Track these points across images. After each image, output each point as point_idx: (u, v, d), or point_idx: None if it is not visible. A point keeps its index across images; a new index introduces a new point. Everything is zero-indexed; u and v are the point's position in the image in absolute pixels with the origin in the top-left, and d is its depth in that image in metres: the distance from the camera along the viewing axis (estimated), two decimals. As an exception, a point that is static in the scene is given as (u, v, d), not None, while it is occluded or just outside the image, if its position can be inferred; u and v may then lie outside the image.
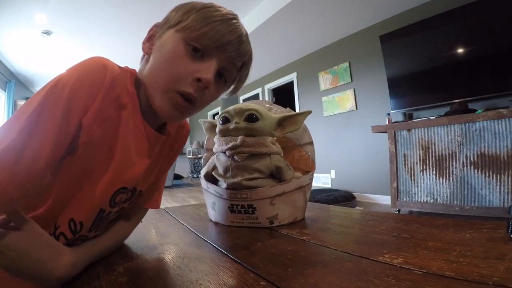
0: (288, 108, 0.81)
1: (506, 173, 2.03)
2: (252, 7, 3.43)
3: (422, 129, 2.48)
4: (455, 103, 2.57)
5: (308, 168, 0.76)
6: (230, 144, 0.65)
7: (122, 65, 0.46)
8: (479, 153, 2.16)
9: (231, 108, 0.68)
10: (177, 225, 0.73)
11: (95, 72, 0.39)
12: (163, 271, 0.43)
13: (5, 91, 4.93)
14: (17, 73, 5.29)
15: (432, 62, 2.82)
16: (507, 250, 0.41)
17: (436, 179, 2.39)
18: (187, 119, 0.56)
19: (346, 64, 3.84)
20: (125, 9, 3.19)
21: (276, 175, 0.69)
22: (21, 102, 5.27)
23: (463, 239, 0.48)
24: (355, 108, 3.75)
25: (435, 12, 2.79)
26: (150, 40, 0.47)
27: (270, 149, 0.67)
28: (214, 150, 0.72)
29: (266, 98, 5.50)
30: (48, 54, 4.37)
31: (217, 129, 0.71)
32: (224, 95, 0.54)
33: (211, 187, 0.72)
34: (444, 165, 2.35)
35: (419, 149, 2.50)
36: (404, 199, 2.58)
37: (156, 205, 0.60)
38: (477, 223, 0.57)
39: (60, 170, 0.39)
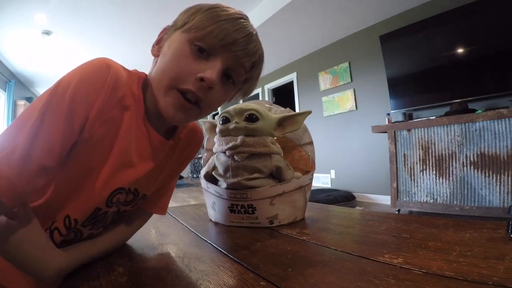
0: (288, 108, 0.81)
1: (506, 173, 2.03)
2: (252, 7, 3.43)
3: (422, 129, 2.49)
4: (455, 103, 2.57)
5: (308, 168, 0.76)
6: (230, 144, 0.65)
7: (123, 65, 0.46)
8: (479, 153, 2.16)
9: (231, 108, 0.68)
10: (177, 225, 0.73)
11: (98, 72, 0.39)
12: (163, 271, 0.43)
13: (5, 91, 4.93)
14: (17, 73, 5.29)
15: (432, 62, 2.82)
16: (507, 250, 0.41)
17: (436, 179, 2.39)
18: (201, 126, 0.55)
19: (346, 64, 3.84)
20: (125, 8, 3.19)
21: (276, 175, 0.69)
22: (21, 102, 5.27)
23: (463, 239, 0.48)
24: (355, 108, 3.75)
25: (435, 12, 2.79)
26: (158, 43, 0.47)
27: (270, 149, 0.67)
28: (214, 150, 0.72)
29: (266, 98, 5.50)
30: (48, 54, 4.37)
31: (217, 129, 0.71)
32: (236, 98, 0.52)
33: (211, 187, 0.72)
34: (444, 165, 2.35)
35: (419, 149, 2.50)
36: (404, 199, 2.59)
37: (162, 211, 0.59)
38: (477, 223, 0.57)
39: (64, 167, 0.39)
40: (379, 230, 0.58)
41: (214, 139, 0.72)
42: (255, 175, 0.66)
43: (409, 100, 3.03)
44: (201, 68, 0.41)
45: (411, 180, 2.55)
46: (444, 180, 2.34)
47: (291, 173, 0.69)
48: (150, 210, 0.58)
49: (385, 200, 3.12)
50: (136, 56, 4.47)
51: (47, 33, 3.68)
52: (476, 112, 2.26)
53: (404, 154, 2.59)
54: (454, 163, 2.29)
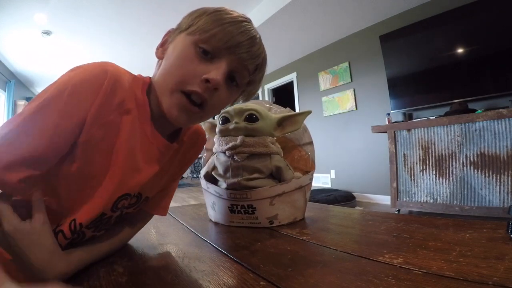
0: (288, 108, 0.81)
1: (506, 173, 2.03)
2: (252, 7, 3.43)
3: (422, 129, 2.49)
4: (455, 103, 2.57)
5: (308, 168, 0.76)
6: (230, 144, 0.65)
7: (123, 64, 0.46)
8: (479, 153, 2.16)
9: (231, 108, 0.68)
10: (177, 225, 0.73)
11: (94, 76, 0.39)
12: (163, 271, 0.43)
13: (5, 91, 4.93)
14: (17, 73, 5.29)
15: (432, 62, 2.82)
16: (507, 250, 0.41)
17: (436, 179, 2.39)
18: (203, 127, 0.54)
19: (346, 64, 3.84)
20: (124, 6, 3.19)
21: (276, 175, 0.69)
22: (21, 102, 5.27)
23: (463, 239, 0.48)
24: (355, 108, 3.75)
25: (435, 12, 2.79)
26: (163, 45, 0.47)
27: (270, 149, 0.67)
28: (214, 150, 0.72)
29: (266, 98, 5.50)
30: (48, 54, 4.36)
31: (217, 129, 0.71)
32: (239, 101, 0.53)
33: (211, 187, 0.72)
34: (444, 165, 2.35)
35: (419, 149, 2.50)
36: (404, 199, 2.59)
37: (164, 212, 0.59)
38: (477, 223, 0.57)
39: (63, 171, 0.39)
40: (379, 230, 0.58)
41: (214, 139, 0.72)
42: (255, 175, 0.66)
43: (409, 100, 3.03)
44: (206, 70, 0.42)
45: (411, 180, 2.55)
46: (444, 180, 2.34)
47: (291, 173, 0.69)
48: (151, 212, 0.58)
49: (385, 200, 3.12)
50: (136, 54, 4.46)
51: (47, 33, 3.68)
52: (476, 112, 2.26)
53: (404, 154, 2.59)
54: (454, 163, 2.29)
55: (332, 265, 0.41)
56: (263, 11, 3.35)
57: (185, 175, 7.82)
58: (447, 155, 2.33)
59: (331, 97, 4.07)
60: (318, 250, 0.49)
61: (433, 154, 2.41)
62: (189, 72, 0.42)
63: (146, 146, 0.45)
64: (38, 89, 6.41)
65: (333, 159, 4.06)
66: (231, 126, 0.67)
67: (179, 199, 4.08)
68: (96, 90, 0.38)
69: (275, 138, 0.71)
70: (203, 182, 0.76)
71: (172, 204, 0.65)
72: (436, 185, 2.39)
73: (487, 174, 2.12)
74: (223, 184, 0.70)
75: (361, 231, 0.62)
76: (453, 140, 2.30)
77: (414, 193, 2.52)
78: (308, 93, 4.52)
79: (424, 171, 2.46)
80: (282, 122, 0.71)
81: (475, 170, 2.17)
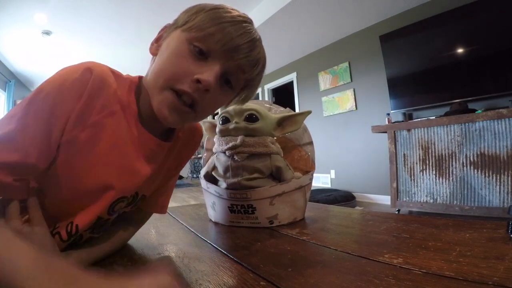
0: (288, 108, 0.81)
1: (506, 173, 2.03)
2: (252, 7, 3.43)
3: (422, 129, 2.48)
4: (455, 103, 2.57)
5: (308, 168, 0.76)
6: (230, 144, 0.65)
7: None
8: (479, 153, 2.16)
9: (231, 108, 0.68)
10: (177, 225, 0.73)
11: (79, 76, 0.38)
12: (163, 271, 0.42)
13: (5, 91, 4.93)
14: (17, 73, 5.29)
15: (432, 62, 2.82)
16: (507, 250, 0.41)
17: (436, 179, 2.39)
18: (201, 123, 0.53)
19: (346, 64, 3.84)
20: (124, 6, 3.19)
21: (276, 175, 0.69)
22: (21, 102, 5.26)
23: (463, 239, 0.48)
24: (355, 108, 3.75)
25: (435, 12, 2.79)
26: (157, 41, 0.46)
27: (270, 149, 0.67)
28: (214, 150, 0.72)
29: (266, 98, 5.50)
30: (48, 54, 4.36)
31: (217, 129, 0.71)
32: (234, 103, 0.51)
33: (211, 187, 0.72)
34: (444, 165, 2.35)
35: (419, 149, 2.50)
36: (404, 199, 2.58)
37: (163, 210, 0.59)
38: (477, 223, 0.57)
39: (53, 174, 0.39)
40: (379, 230, 0.58)
41: (214, 139, 0.72)
42: (255, 175, 0.66)
43: (409, 100, 3.03)
44: (199, 70, 0.40)
45: (411, 180, 2.55)
46: (444, 180, 2.34)
47: (291, 173, 0.69)
48: (150, 210, 0.57)
49: (385, 200, 3.12)
50: (136, 54, 4.46)
51: (47, 33, 3.67)
52: (476, 112, 2.26)
53: (404, 154, 2.59)
54: (454, 163, 2.29)
55: (332, 265, 0.41)
56: (263, 11, 3.35)
57: (185, 175, 7.82)
58: (447, 155, 2.33)
59: (331, 97, 4.07)
60: (318, 250, 0.49)
61: (433, 154, 2.41)
62: (181, 70, 0.40)
63: (137, 147, 0.44)
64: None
65: (333, 159, 4.06)
66: (231, 126, 0.67)
67: (179, 199, 4.08)
68: (80, 91, 0.38)
69: (275, 138, 0.71)
70: (203, 182, 0.76)
71: (172, 204, 0.64)
72: (436, 185, 2.39)
73: (487, 174, 2.12)
74: (223, 184, 0.70)
75: (361, 231, 0.62)
76: (453, 140, 2.30)
77: (414, 193, 2.52)
78: (308, 93, 4.52)
79: (424, 171, 2.46)
80: (282, 122, 0.71)
81: (475, 170, 2.17)
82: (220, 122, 0.69)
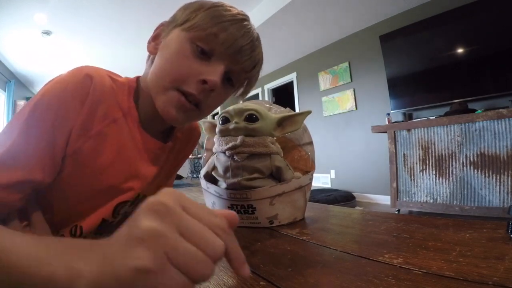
0: (288, 108, 0.81)
1: (506, 173, 2.03)
2: (251, 7, 3.43)
3: (422, 129, 2.49)
4: (455, 103, 2.57)
5: (308, 168, 0.76)
6: (230, 144, 0.65)
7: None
8: (479, 153, 2.16)
9: (230, 108, 0.68)
10: (177, 225, 0.73)
11: (78, 84, 0.37)
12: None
13: (5, 91, 4.93)
14: (17, 73, 5.28)
15: (432, 62, 2.82)
16: (507, 250, 0.41)
17: (436, 179, 2.39)
18: (200, 126, 0.54)
19: (346, 64, 3.84)
20: (125, 7, 3.19)
21: (276, 175, 0.69)
22: (21, 102, 5.26)
23: (463, 239, 0.48)
24: (355, 108, 3.75)
25: (435, 12, 2.79)
26: (155, 39, 0.45)
27: (270, 149, 0.67)
28: (213, 150, 0.72)
29: (266, 98, 5.50)
30: (48, 54, 4.36)
31: (216, 129, 0.71)
32: (234, 98, 0.52)
33: (211, 187, 0.72)
34: (444, 165, 2.35)
35: (419, 149, 2.50)
36: (404, 199, 2.58)
37: None
38: (477, 223, 0.57)
39: (59, 183, 0.39)
40: (379, 230, 0.58)
41: (214, 139, 0.72)
42: (255, 175, 0.66)
43: (409, 100, 3.03)
44: (203, 70, 0.40)
45: (411, 180, 2.55)
46: (444, 180, 2.34)
47: (291, 173, 0.69)
48: None
49: (385, 200, 3.12)
50: (136, 55, 4.46)
51: (47, 33, 3.68)
52: (476, 112, 2.26)
53: (404, 154, 2.59)
54: (454, 163, 2.29)
55: (332, 265, 0.41)
56: (263, 11, 3.35)
57: (185, 175, 7.82)
58: (447, 155, 2.33)
59: (331, 97, 4.07)
60: (318, 250, 0.49)
61: (433, 154, 2.41)
62: (185, 70, 0.40)
63: (141, 151, 0.45)
64: (38, 89, 6.39)
65: (333, 159, 4.06)
66: (231, 126, 0.67)
67: (179, 199, 4.07)
68: (82, 99, 0.37)
69: (275, 138, 0.71)
70: (203, 182, 0.76)
71: (172, 204, 0.64)
72: (436, 185, 2.39)
73: (487, 174, 2.12)
74: (223, 184, 0.70)
75: (361, 231, 0.62)
76: (453, 140, 2.30)
77: (414, 193, 2.52)
78: (308, 93, 4.52)
79: (424, 171, 2.46)
80: (282, 122, 0.71)
81: (475, 170, 2.17)
82: (220, 122, 0.69)
